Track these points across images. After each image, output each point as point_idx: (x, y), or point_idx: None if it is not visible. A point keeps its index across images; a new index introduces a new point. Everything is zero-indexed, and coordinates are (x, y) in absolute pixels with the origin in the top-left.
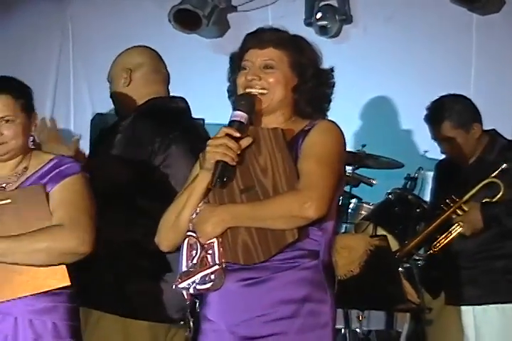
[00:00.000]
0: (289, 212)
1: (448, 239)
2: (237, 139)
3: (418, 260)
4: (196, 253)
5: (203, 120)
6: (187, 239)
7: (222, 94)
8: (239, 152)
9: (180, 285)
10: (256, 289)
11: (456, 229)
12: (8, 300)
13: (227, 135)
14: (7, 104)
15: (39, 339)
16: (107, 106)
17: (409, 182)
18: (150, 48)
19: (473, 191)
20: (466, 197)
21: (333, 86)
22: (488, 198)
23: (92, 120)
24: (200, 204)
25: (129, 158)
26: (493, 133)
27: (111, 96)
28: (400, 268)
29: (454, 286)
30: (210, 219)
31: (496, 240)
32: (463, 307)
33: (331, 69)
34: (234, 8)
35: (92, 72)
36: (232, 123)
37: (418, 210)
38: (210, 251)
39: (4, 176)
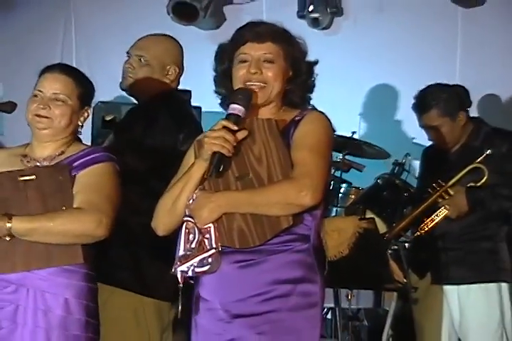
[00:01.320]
0: (285, 199)
1: (434, 222)
2: (233, 132)
3: (406, 242)
4: (194, 238)
5: (200, 108)
6: (185, 224)
7: None
8: (235, 144)
9: (180, 268)
10: (250, 270)
11: (442, 212)
12: (22, 271)
13: (225, 127)
14: (66, 85)
15: (48, 311)
16: (108, 94)
17: (396, 168)
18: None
19: (459, 176)
20: (452, 181)
21: (314, 79)
22: (473, 183)
23: (93, 108)
24: (196, 191)
25: (156, 144)
26: (478, 121)
27: (126, 80)
28: (388, 250)
29: (440, 267)
30: (206, 205)
31: (480, 223)
32: (448, 287)
33: (316, 62)
34: (230, 1)
35: (94, 61)
36: (229, 117)
37: (405, 194)
38: (207, 236)
39: (41, 157)
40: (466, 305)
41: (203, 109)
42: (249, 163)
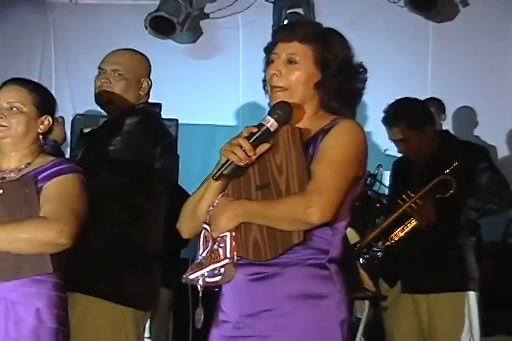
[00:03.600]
0: (293, 214)
1: (404, 232)
2: (255, 141)
3: (377, 251)
4: (207, 246)
5: (177, 120)
6: (203, 231)
7: (194, 96)
8: (252, 154)
9: (190, 277)
10: (263, 284)
11: (412, 223)
12: None
13: (245, 137)
14: (19, 93)
15: (20, 322)
16: (87, 107)
17: (369, 179)
18: None
19: (428, 187)
20: (421, 193)
21: (365, 80)
22: (441, 194)
23: (72, 120)
24: (218, 197)
25: (135, 158)
26: (446, 134)
27: (103, 94)
28: (359, 259)
29: (410, 276)
30: (224, 213)
31: (448, 233)
32: (417, 296)
33: (360, 65)
34: (206, 16)
35: (73, 74)
36: (258, 126)
37: (377, 205)
38: (222, 245)
39: (8, 169)
40: (435, 314)
41: (179, 121)
42: (270, 172)
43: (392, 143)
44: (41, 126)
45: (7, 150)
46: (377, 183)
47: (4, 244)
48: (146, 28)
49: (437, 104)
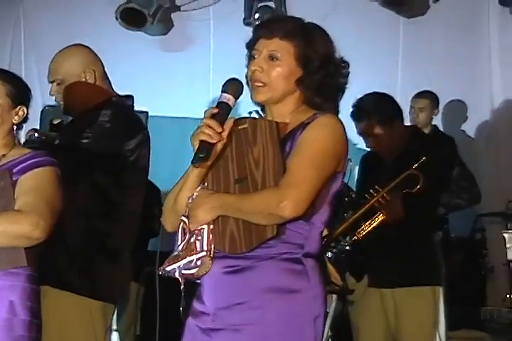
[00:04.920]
0: (266, 208)
1: (371, 227)
2: (219, 118)
3: (345, 245)
4: (184, 239)
5: (147, 113)
6: (181, 224)
7: (165, 88)
8: (220, 129)
9: (167, 268)
10: (237, 277)
11: (379, 217)
12: None
13: (211, 115)
14: None
15: None
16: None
17: None
18: (90, 48)
19: (395, 182)
20: (388, 187)
21: (347, 75)
22: (409, 189)
23: (41, 111)
24: (197, 189)
25: (106, 150)
26: (415, 129)
27: (63, 108)
28: (327, 253)
29: (376, 270)
30: (202, 205)
31: (414, 228)
32: (384, 290)
33: (342, 60)
34: (177, 8)
35: (43, 65)
36: (217, 104)
37: (346, 199)
38: (199, 237)
39: None
40: (402, 308)
41: (149, 113)
42: (248, 165)
43: (360, 138)
44: (16, 117)
45: None
46: (347, 177)
47: None
48: (117, 20)
49: (433, 97)
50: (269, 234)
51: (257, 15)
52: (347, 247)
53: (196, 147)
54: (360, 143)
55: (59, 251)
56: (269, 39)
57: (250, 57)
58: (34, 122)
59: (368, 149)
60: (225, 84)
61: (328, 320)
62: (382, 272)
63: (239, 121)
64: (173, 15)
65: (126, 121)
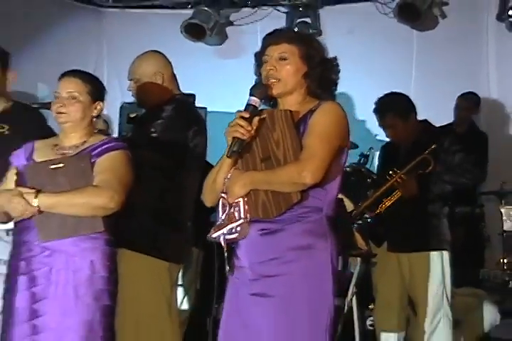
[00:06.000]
0: (290, 178)
1: (391, 202)
2: (248, 119)
3: (368, 218)
4: (225, 211)
5: (206, 108)
6: (221, 199)
7: (221, 88)
8: (249, 128)
9: (213, 235)
10: (271, 238)
11: (397, 194)
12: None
13: (241, 117)
14: (76, 85)
15: (78, 271)
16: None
17: (362, 159)
18: (164, 54)
19: (411, 165)
20: (406, 169)
21: (339, 72)
22: (422, 170)
23: (120, 107)
24: (231, 171)
25: (170, 139)
26: (425, 122)
27: (137, 90)
28: (354, 224)
29: (394, 238)
30: (236, 183)
31: (426, 202)
32: (401, 254)
33: (335, 58)
34: (231, 23)
35: (121, 71)
36: (246, 107)
37: (369, 180)
38: (236, 208)
39: (68, 146)
40: (415, 269)
41: (208, 109)
42: (270, 147)
43: (381, 130)
44: (94, 111)
45: (67, 132)
46: (369, 162)
47: (65, 208)
48: (182, 33)
49: (476, 99)
50: (295, 199)
51: (296, 29)
52: (370, 219)
53: (230, 142)
54: (380, 134)
55: (132, 221)
56: (278, 44)
57: (260, 64)
58: (116, 114)
59: (387, 139)
60: (252, 88)
61: (354, 279)
62: (399, 239)
63: (259, 114)
64: (227, 29)
65: (184, 115)
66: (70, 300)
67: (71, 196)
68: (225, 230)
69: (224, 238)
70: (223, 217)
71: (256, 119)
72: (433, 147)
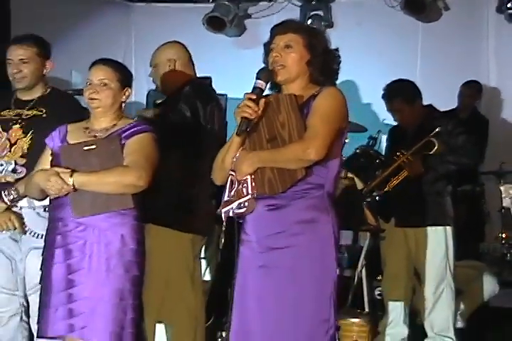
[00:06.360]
0: (296, 156)
1: (398, 181)
2: (255, 100)
3: (377, 195)
4: (234, 187)
5: (226, 95)
6: (229, 177)
7: (240, 76)
8: (256, 109)
9: (223, 210)
10: (277, 212)
11: (404, 174)
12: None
13: (248, 98)
14: (106, 72)
15: (109, 244)
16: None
17: (371, 141)
18: (182, 44)
19: (417, 146)
20: (412, 150)
21: (340, 62)
22: (427, 152)
23: (147, 94)
24: (239, 151)
25: (190, 116)
26: (430, 107)
27: (155, 76)
28: (364, 201)
29: (401, 214)
30: (244, 161)
31: (431, 182)
32: (407, 229)
33: (336, 49)
34: (249, 16)
35: (147, 60)
36: (253, 90)
37: (377, 161)
38: (244, 185)
39: (99, 129)
40: (420, 243)
41: (228, 96)
42: (276, 128)
43: (389, 114)
44: (123, 97)
45: (98, 116)
46: (377, 145)
47: (97, 186)
48: (203, 25)
49: (478, 86)
50: (300, 176)
51: (309, 21)
52: (378, 197)
53: (239, 122)
54: (387, 118)
55: (158, 197)
56: (284, 34)
57: (267, 52)
58: (143, 100)
59: (394, 123)
60: (258, 72)
61: (363, 252)
62: (406, 215)
63: (265, 97)
64: (245, 21)
65: (201, 93)
66: (103, 271)
67: (103, 175)
68: (234, 205)
69: (233, 212)
70: (232, 193)
71: (262, 101)
72: (437, 130)
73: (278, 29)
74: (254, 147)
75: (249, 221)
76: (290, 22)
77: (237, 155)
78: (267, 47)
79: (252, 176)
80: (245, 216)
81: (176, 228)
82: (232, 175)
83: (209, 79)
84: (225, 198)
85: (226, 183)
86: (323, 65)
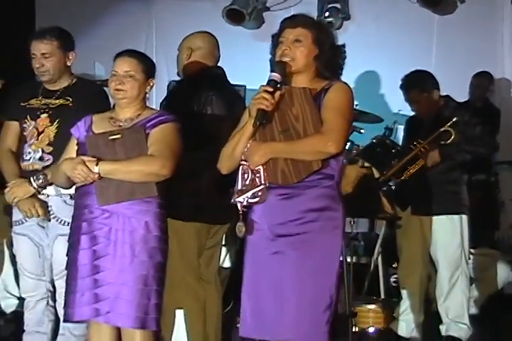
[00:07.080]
0: (315, 148)
1: (415, 170)
2: (271, 92)
3: (394, 184)
4: (248, 177)
5: (245, 86)
6: (241, 167)
7: (258, 68)
8: (273, 101)
9: (237, 199)
10: (289, 201)
11: (421, 163)
12: (115, 203)
13: (265, 90)
14: (132, 64)
15: (134, 231)
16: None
17: (387, 131)
18: (212, 35)
19: (434, 136)
20: (429, 139)
21: (345, 58)
22: (443, 141)
23: (168, 85)
24: (250, 141)
25: (188, 107)
26: (447, 97)
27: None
28: (381, 189)
29: (417, 202)
30: (257, 152)
31: (448, 170)
32: (423, 217)
33: (343, 46)
34: (267, 9)
35: (168, 52)
36: (269, 82)
37: (393, 151)
38: (257, 175)
39: (124, 119)
40: (436, 231)
41: (247, 87)
42: (289, 120)
43: (406, 105)
44: (148, 88)
45: (123, 106)
46: (393, 135)
47: (122, 175)
48: (223, 18)
49: (488, 77)
50: (315, 167)
51: (327, 14)
52: (394, 186)
53: (255, 113)
54: (404, 109)
55: (175, 190)
56: (294, 28)
57: (276, 44)
58: (163, 92)
59: (410, 113)
60: (272, 65)
61: (379, 240)
62: (422, 204)
63: (279, 89)
64: (264, 14)
65: (206, 79)
66: (127, 257)
67: (128, 164)
68: (249, 194)
69: (247, 201)
70: (247, 183)
71: (278, 93)
72: (454, 120)
73: (288, 23)
74: (265, 138)
75: (258, 210)
76: (300, 16)
77: (248, 146)
78: (276, 40)
79: (264, 166)
80: (252, 206)
81: (178, 218)
82: (244, 164)
83: (220, 68)
84: (239, 187)
85: (238, 173)
86: (330, 60)
